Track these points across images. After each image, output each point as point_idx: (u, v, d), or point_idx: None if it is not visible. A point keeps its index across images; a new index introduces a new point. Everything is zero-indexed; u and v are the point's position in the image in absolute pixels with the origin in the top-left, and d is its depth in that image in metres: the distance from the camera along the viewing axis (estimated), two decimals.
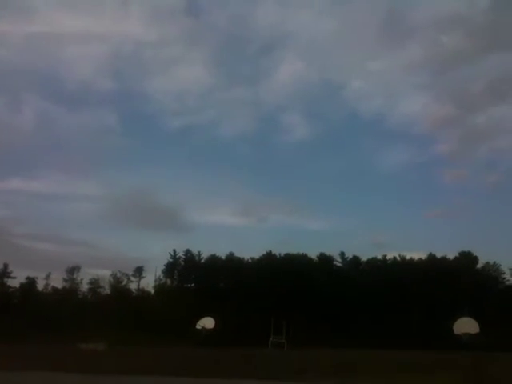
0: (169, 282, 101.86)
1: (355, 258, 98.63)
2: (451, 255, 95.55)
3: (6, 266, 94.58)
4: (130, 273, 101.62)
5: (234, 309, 79.26)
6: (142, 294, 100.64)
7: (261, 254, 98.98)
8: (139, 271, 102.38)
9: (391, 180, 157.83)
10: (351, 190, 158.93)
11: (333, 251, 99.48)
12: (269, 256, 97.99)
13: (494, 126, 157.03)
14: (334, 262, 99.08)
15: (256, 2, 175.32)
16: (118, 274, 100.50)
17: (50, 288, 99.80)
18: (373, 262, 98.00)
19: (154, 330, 74.29)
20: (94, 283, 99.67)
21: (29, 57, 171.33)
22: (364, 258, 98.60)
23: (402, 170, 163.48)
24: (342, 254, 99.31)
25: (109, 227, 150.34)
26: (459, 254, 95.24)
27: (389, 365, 31.35)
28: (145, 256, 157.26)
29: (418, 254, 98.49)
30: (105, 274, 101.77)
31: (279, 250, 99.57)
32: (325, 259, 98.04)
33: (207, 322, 60.56)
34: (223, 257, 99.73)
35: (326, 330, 75.56)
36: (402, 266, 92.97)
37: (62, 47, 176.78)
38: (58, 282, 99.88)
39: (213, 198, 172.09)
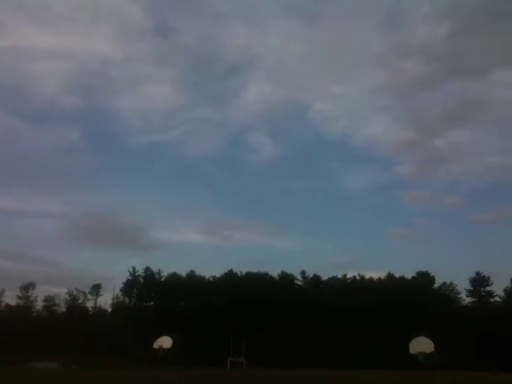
0: (127, 300, 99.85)
1: (316, 277, 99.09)
2: (409, 275, 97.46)
3: None
4: (87, 291, 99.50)
5: (193, 328, 78.12)
6: (99, 312, 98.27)
7: (222, 273, 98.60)
8: (96, 289, 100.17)
9: (354, 201, 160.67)
10: (315, 209, 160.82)
11: (294, 270, 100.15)
12: (230, 275, 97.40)
13: (453, 150, 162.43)
14: (295, 281, 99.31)
15: (225, 24, 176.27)
16: (75, 292, 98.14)
17: (3, 305, 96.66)
18: (333, 281, 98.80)
19: (110, 349, 72.46)
20: (49, 301, 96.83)
21: None
22: (325, 277, 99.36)
23: (365, 191, 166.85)
24: (303, 273, 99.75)
25: (70, 245, 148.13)
26: (417, 273, 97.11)
27: None
28: (105, 274, 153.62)
29: (377, 274, 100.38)
30: (61, 291, 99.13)
31: (241, 268, 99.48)
32: (286, 278, 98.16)
33: (164, 342, 59.38)
34: (184, 275, 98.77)
35: (287, 349, 75.30)
36: (362, 285, 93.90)
37: (28, 62, 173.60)
38: (11, 299, 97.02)
39: (177, 216, 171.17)
